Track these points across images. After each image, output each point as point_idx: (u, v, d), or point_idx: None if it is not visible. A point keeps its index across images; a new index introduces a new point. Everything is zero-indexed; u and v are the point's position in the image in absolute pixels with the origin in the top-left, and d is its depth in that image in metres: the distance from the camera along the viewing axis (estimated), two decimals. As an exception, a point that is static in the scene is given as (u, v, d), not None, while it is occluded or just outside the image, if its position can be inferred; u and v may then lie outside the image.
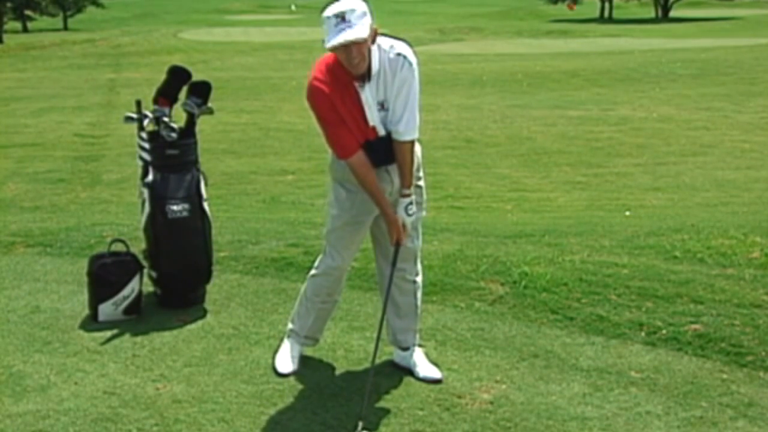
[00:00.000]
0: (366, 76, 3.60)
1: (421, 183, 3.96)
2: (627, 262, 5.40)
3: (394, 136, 3.71)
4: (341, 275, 4.05)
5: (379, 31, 3.63)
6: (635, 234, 6.22)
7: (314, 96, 3.67)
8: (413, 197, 3.81)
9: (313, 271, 4.12)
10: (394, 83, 3.63)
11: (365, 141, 3.70)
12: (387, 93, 3.65)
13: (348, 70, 3.59)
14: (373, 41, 3.58)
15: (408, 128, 3.69)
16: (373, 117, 3.66)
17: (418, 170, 3.92)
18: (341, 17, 3.45)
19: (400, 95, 3.65)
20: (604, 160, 12.38)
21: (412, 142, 3.74)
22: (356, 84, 3.61)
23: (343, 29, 3.46)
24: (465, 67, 26.89)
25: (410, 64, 3.64)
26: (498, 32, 46.32)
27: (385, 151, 3.74)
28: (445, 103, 18.63)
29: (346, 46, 3.49)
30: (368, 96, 3.63)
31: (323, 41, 3.51)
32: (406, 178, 3.77)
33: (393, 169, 3.81)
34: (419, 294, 4.11)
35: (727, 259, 5.43)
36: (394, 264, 3.89)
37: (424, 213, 4.03)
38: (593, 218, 7.77)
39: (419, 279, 4.10)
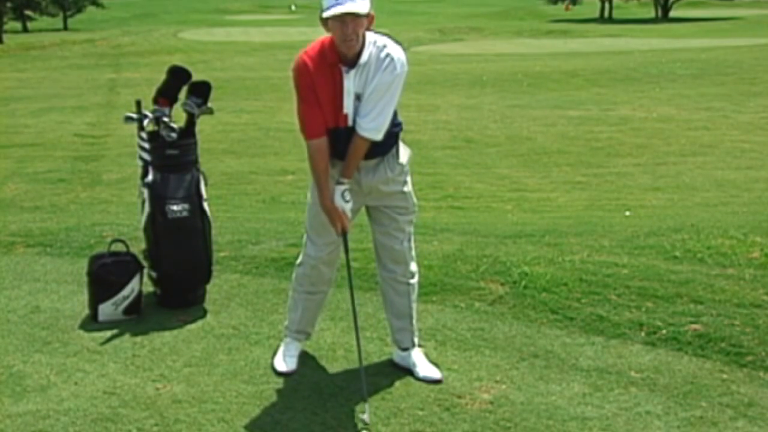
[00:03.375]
0: (353, 63, 3.62)
1: (407, 188, 3.94)
2: (627, 262, 5.40)
3: (356, 128, 3.69)
4: (319, 264, 4.02)
5: (380, 31, 3.65)
6: (635, 234, 6.21)
7: (299, 70, 3.70)
8: (348, 185, 3.78)
9: (296, 262, 4.17)
10: (374, 80, 3.63)
11: (335, 127, 3.71)
12: (365, 87, 3.65)
13: (338, 53, 3.61)
14: (369, 27, 3.60)
15: (371, 126, 3.68)
16: (348, 105, 3.67)
17: (402, 175, 3.90)
18: None
19: (375, 93, 3.65)
20: (604, 160, 12.39)
21: (367, 142, 3.72)
22: (342, 68, 3.63)
23: (344, 1, 3.48)
24: (465, 67, 26.89)
25: (394, 68, 3.63)
26: (498, 32, 46.36)
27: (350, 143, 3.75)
28: (445, 103, 18.65)
29: (344, 20, 3.51)
30: (350, 84, 3.64)
31: (321, 11, 3.54)
32: (348, 170, 3.77)
33: (363, 164, 3.80)
34: (414, 295, 4.09)
35: (727, 259, 5.43)
36: (347, 250, 3.90)
37: (413, 217, 4.01)
38: (593, 218, 7.77)
39: (413, 281, 4.08)
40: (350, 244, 3.98)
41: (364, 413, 3.60)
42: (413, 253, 4.06)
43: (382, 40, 3.68)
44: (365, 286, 5.09)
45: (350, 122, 3.71)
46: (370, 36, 3.64)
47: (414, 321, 4.11)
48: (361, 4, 3.52)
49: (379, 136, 3.71)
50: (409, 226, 3.99)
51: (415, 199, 4.00)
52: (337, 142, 3.76)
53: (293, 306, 4.20)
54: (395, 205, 3.92)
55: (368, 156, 3.79)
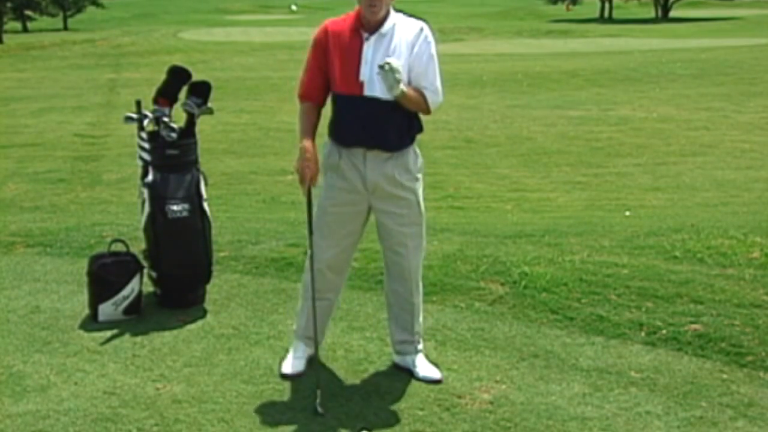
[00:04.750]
0: (375, 30, 3.67)
1: (413, 197, 3.85)
2: (627, 262, 5.40)
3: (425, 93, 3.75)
4: (324, 269, 3.95)
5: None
6: (635, 234, 6.21)
7: (318, 32, 3.80)
8: (397, 65, 3.60)
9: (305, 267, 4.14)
10: (415, 49, 3.69)
11: (348, 94, 3.70)
12: (400, 56, 3.66)
13: (361, 20, 3.68)
14: None
15: (437, 96, 3.78)
16: (365, 72, 3.67)
17: (411, 182, 3.83)
18: None
19: (424, 63, 3.73)
20: (604, 160, 12.38)
21: (426, 103, 3.77)
22: (363, 34, 3.68)
23: None
24: (465, 67, 26.87)
25: (428, 38, 3.76)
26: (498, 32, 46.35)
27: (365, 117, 3.68)
28: (445, 103, 18.43)
29: None
30: (369, 51, 3.66)
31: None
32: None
33: (371, 157, 3.74)
34: (417, 312, 4.04)
35: (727, 259, 5.43)
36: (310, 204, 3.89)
37: (419, 230, 3.91)
38: (593, 218, 7.77)
39: (417, 300, 4.01)
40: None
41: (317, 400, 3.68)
42: (421, 270, 4.01)
43: (406, 17, 3.76)
44: (365, 286, 5.10)
45: (367, 91, 3.67)
46: (393, 11, 3.72)
47: (416, 333, 4.08)
48: None
49: (438, 98, 3.78)
50: (414, 240, 3.90)
51: (423, 210, 3.90)
52: (348, 113, 3.71)
53: (301, 312, 4.15)
54: (397, 213, 3.84)
55: (382, 147, 3.74)
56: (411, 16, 3.82)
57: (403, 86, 3.64)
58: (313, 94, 3.80)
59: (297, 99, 3.86)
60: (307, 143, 3.77)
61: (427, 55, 3.73)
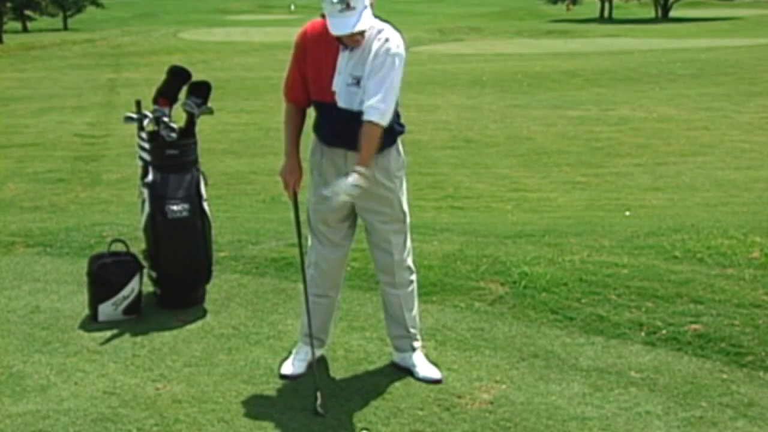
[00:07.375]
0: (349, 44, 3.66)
1: (395, 196, 3.85)
2: (627, 262, 5.39)
3: (364, 113, 3.60)
4: (321, 264, 3.98)
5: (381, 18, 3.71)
6: (635, 234, 6.21)
7: (299, 35, 3.81)
8: (363, 181, 3.54)
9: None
10: (374, 62, 3.62)
11: (321, 101, 3.72)
12: (364, 70, 3.63)
13: None
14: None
15: (375, 108, 3.56)
16: (337, 83, 3.67)
17: (391, 181, 3.83)
18: (346, 4, 3.48)
19: (374, 72, 3.60)
20: (604, 160, 12.38)
21: (376, 128, 3.58)
22: (340, 46, 3.66)
23: (349, 18, 3.50)
24: (465, 67, 26.89)
25: (389, 48, 3.61)
26: (498, 32, 46.39)
27: (340, 124, 3.67)
28: (445, 103, 18.65)
29: (350, 34, 3.55)
30: (342, 62, 3.66)
31: (323, 15, 3.59)
32: (362, 158, 3.57)
33: (352, 156, 3.68)
34: (409, 305, 4.04)
35: (727, 259, 5.42)
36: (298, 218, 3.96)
37: (401, 227, 3.91)
38: (593, 218, 7.77)
39: (403, 291, 4.01)
40: (352, 244, 4.01)
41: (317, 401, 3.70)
42: (409, 264, 4.01)
43: (381, 24, 3.69)
44: (365, 286, 5.10)
45: (339, 102, 3.67)
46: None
47: (410, 329, 4.07)
48: (365, 18, 3.52)
49: (384, 121, 3.61)
50: (398, 237, 3.92)
51: (405, 209, 3.91)
52: (325, 119, 3.77)
53: (302, 310, 4.15)
54: (379, 211, 3.85)
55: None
56: (386, 22, 3.72)
57: (351, 184, 3.53)
58: (296, 96, 3.82)
59: (283, 97, 3.87)
60: (291, 152, 3.85)
61: (382, 74, 3.59)
